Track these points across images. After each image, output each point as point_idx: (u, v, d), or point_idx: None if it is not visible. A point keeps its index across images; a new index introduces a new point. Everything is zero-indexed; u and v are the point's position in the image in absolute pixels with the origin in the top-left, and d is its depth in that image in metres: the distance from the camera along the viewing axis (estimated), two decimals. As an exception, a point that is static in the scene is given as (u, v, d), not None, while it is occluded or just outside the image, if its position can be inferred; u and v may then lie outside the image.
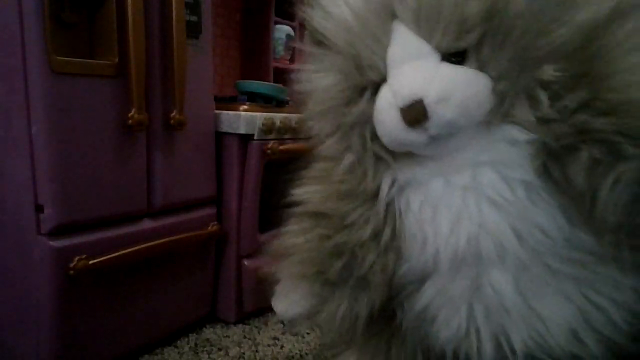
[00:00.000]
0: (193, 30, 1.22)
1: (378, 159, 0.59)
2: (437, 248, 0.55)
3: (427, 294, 0.59)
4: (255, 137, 1.32)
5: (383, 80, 0.56)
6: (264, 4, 2.36)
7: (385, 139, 0.56)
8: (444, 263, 0.56)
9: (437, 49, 0.52)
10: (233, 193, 1.36)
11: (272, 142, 1.34)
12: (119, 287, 1.11)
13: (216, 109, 1.34)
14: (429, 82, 0.50)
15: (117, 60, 1.03)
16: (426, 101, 0.49)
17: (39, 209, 0.95)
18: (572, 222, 0.51)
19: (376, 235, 0.59)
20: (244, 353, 1.24)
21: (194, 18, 1.22)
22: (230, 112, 1.33)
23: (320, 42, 0.61)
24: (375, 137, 0.58)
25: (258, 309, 1.44)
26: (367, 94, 0.57)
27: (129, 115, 1.05)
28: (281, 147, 1.35)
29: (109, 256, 1.03)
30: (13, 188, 0.97)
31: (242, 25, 2.41)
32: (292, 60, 2.54)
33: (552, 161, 0.50)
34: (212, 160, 1.33)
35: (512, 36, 0.50)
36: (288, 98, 1.58)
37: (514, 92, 0.51)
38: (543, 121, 0.50)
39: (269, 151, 1.33)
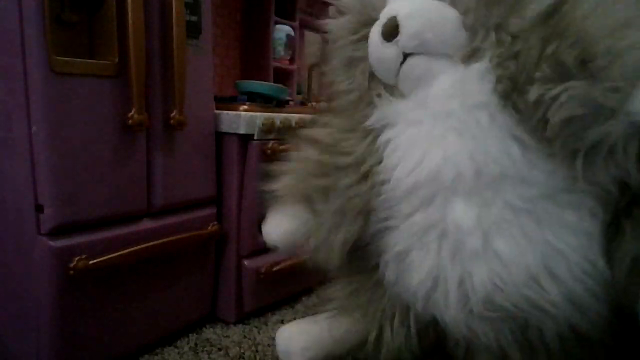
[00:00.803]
0: (193, 30, 1.22)
1: (373, 97, 0.67)
2: (400, 177, 0.61)
3: (399, 230, 0.63)
4: (255, 137, 1.32)
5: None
6: (264, 4, 2.36)
7: (371, 58, 0.66)
8: (406, 191, 0.61)
9: None
10: (233, 193, 1.36)
11: (272, 142, 1.35)
12: (119, 287, 1.11)
13: (216, 109, 1.34)
14: (404, 4, 0.61)
15: (117, 60, 1.03)
16: (398, 17, 0.60)
17: (39, 209, 0.96)
18: (527, 156, 0.55)
19: (358, 163, 0.65)
20: (244, 353, 1.24)
21: (194, 18, 1.22)
22: (230, 112, 1.33)
23: None
24: (373, 75, 0.68)
25: (258, 309, 1.44)
26: (369, 28, 0.67)
27: (129, 115, 1.05)
28: (281, 147, 1.35)
29: (108, 256, 1.03)
30: (13, 188, 0.97)
31: (242, 25, 2.41)
32: (292, 60, 2.54)
33: (515, 91, 0.55)
34: (212, 160, 1.33)
35: None
36: (290, 99, 1.58)
37: (483, 29, 0.58)
38: (510, 57, 0.55)
39: (269, 151, 1.33)
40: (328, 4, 0.80)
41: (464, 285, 0.57)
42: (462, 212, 0.57)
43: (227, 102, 1.44)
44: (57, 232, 0.97)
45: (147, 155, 1.14)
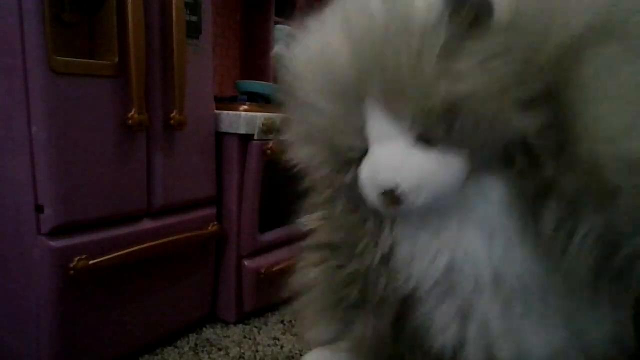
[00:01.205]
0: (193, 30, 1.22)
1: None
2: (419, 278, 0.58)
3: (421, 311, 0.62)
4: (255, 137, 1.32)
5: (365, 153, 0.56)
6: (264, 4, 2.36)
7: (371, 205, 0.57)
8: (426, 292, 0.59)
9: (408, 131, 0.52)
10: (233, 193, 1.36)
11: (272, 142, 1.35)
12: (119, 287, 1.11)
13: (216, 109, 1.34)
14: (400, 172, 0.52)
15: (117, 60, 1.03)
16: (399, 190, 0.51)
17: (39, 209, 0.95)
18: (548, 271, 0.52)
19: (385, 259, 0.61)
20: (244, 353, 1.24)
21: (194, 18, 1.22)
22: (230, 112, 1.33)
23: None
24: None
25: (258, 309, 1.44)
26: (352, 168, 0.57)
27: (129, 115, 1.05)
28: (281, 148, 1.35)
29: (109, 256, 1.03)
30: (13, 188, 0.97)
31: (242, 25, 2.41)
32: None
33: (528, 211, 0.51)
34: (212, 160, 1.33)
35: (480, 122, 0.48)
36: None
37: (488, 157, 0.52)
38: (519, 175, 0.50)
39: (269, 151, 1.33)
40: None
41: (491, 353, 0.58)
42: (485, 304, 0.56)
43: (227, 102, 1.44)
44: (57, 232, 0.97)
45: (147, 155, 1.14)
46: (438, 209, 0.56)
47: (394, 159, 0.52)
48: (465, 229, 0.55)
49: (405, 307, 0.65)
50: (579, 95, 0.46)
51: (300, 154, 0.62)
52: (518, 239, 0.52)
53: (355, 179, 0.57)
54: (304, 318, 0.72)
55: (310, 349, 0.74)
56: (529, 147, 0.49)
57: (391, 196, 0.51)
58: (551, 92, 0.47)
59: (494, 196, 0.53)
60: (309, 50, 0.57)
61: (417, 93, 0.49)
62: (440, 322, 0.60)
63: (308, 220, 0.69)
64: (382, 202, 0.53)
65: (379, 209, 0.56)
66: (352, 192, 0.59)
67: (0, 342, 1.06)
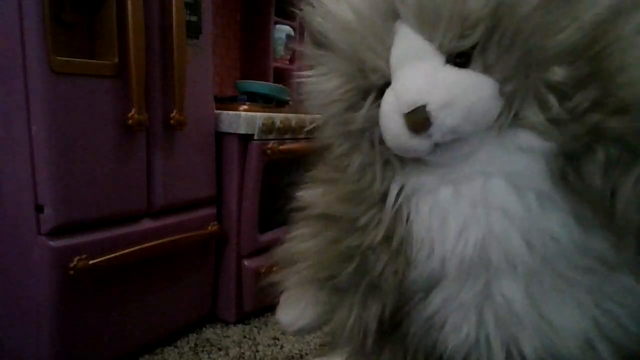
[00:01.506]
0: (193, 30, 1.22)
1: (386, 162, 0.58)
2: (444, 255, 0.54)
3: (435, 301, 0.58)
4: (255, 137, 1.32)
5: (387, 83, 0.54)
6: (264, 4, 2.36)
7: (390, 144, 0.55)
8: (452, 270, 0.54)
9: (440, 49, 0.50)
10: (233, 193, 1.36)
11: (272, 142, 1.35)
12: (119, 287, 1.11)
13: (216, 109, 1.34)
14: (432, 87, 0.49)
15: (117, 60, 1.03)
16: (429, 107, 0.48)
17: (39, 209, 0.96)
18: (585, 229, 0.50)
19: (387, 238, 0.58)
20: (244, 353, 1.24)
21: (194, 18, 1.22)
22: (230, 112, 1.33)
23: (321, 43, 0.60)
24: (383, 141, 0.57)
25: (258, 309, 1.44)
26: (371, 98, 0.56)
27: (129, 115, 1.05)
28: (281, 147, 1.36)
29: (109, 256, 1.03)
30: (13, 188, 0.97)
31: (242, 25, 2.42)
32: (292, 61, 2.55)
33: (567, 165, 0.49)
34: (212, 160, 1.33)
35: (518, 38, 0.48)
36: (290, 99, 1.59)
37: (522, 94, 0.50)
38: (555, 123, 0.48)
39: (269, 151, 1.33)
40: None
41: (510, 349, 0.54)
42: (509, 285, 0.53)
43: (227, 102, 1.44)
44: (57, 232, 0.97)
45: (147, 155, 1.14)
46: (457, 161, 0.52)
47: (425, 75, 0.50)
48: (491, 185, 0.51)
49: (408, 296, 0.60)
50: (622, 46, 0.47)
51: (326, 87, 0.60)
52: (552, 194, 0.49)
53: (372, 118, 0.55)
54: (284, 292, 0.68)
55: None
56: (565, 95, 0.48)
57: (420, 116, 0.48)
58: (586, 49, 0.48)
59: (523, 145, 0.50)
60: None
61: (452, 6, 0.48)
62: (458, 313, 0.56)
63: (306, 194, 0.66)
64: (407, 125, 0.50)
65: (401, 143, 0.53)
66: (368, 137, 0.57)
67: (1, 342, 1.06)
